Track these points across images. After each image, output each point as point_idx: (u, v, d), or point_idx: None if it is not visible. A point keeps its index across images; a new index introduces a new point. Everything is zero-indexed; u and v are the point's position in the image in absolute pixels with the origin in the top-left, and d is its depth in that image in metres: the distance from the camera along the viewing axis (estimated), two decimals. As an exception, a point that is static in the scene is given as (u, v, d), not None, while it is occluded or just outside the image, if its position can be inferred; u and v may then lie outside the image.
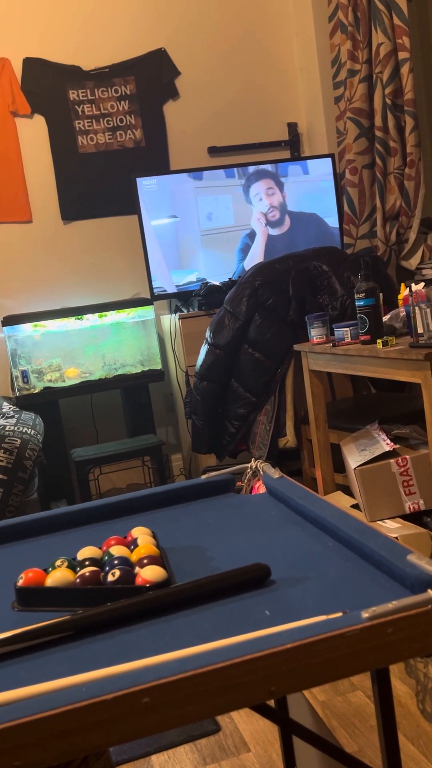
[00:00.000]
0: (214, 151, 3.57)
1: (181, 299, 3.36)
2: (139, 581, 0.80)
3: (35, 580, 0.83)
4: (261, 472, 1.16)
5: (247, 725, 1.50)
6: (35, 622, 0.74)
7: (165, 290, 3.29)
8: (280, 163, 3.39)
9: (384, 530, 2.01)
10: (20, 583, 0.83)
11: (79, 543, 1.03)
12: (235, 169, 3.35)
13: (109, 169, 3.42)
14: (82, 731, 0.57)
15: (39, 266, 3.38)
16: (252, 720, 1.51)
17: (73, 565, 0.85)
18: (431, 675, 1.44)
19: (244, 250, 3.39)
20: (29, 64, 3.28)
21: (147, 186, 3.23)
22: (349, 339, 2.21)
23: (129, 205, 3.45)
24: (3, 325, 3.02)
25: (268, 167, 3.38)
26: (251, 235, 3.40)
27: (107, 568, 0.83)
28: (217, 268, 3.36)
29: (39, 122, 3.33)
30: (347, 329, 2.21)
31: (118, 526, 1.08)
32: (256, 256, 3.37)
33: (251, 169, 3.36)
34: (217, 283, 3.15)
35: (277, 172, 3.39)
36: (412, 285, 1.96)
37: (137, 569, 0.82)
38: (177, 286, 3.31)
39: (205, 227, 3.33)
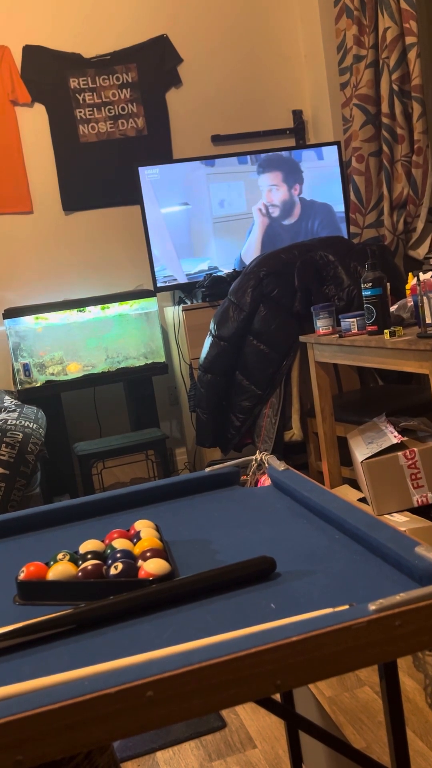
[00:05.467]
0: (217, 139, 3.54)
1: (184, 290, 3.33)
2: (142, 574, 0.79)
3: (37, 573, 0.82)
4: (266, 465, 1.15)
5: (253, 721, 1.49)
6: (37, 616, 0.74)
7: (176, 279, 3.26)
8: (284, 151, 3.36)
9: (392, 524, 1.99)
10: (22, 576, 0.82)
11: (82, 536, 1.02)
12: (249, 156, 3.30)
13: (110, 159, 3.39)
14: (85, 725, 0.57)
15: (40, 258, 3.36)
16: (258, 716, 1.51)
17: (75, 558, 0.84)
18: (439, 668, 1.42)
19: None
20: (29, 51, 3.25)
21: (150, 175, 3.21)
22: (356, 330, 2.19)
23: (131, 194, 3.42)
24: (4, 318, 3.01)
25: (284, 154, 3.33)
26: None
27: (110, 562, 0.82)
28: (229, 256, 3.33)
29: (39, 111, 3.30)
30: (354, 320, 2.19)
31: (120, 520, 1.07)
32: (252, 246, 3.34)
33: (263, 156, 3.31)
34: (221, 273, 3.13)
35: (292, 160, 3.33)
36: (420, 274, 1.94)
37: (140, 562, 0.81)
38: (187, 275, 3.28)
39: (218, 214, 3.30)
